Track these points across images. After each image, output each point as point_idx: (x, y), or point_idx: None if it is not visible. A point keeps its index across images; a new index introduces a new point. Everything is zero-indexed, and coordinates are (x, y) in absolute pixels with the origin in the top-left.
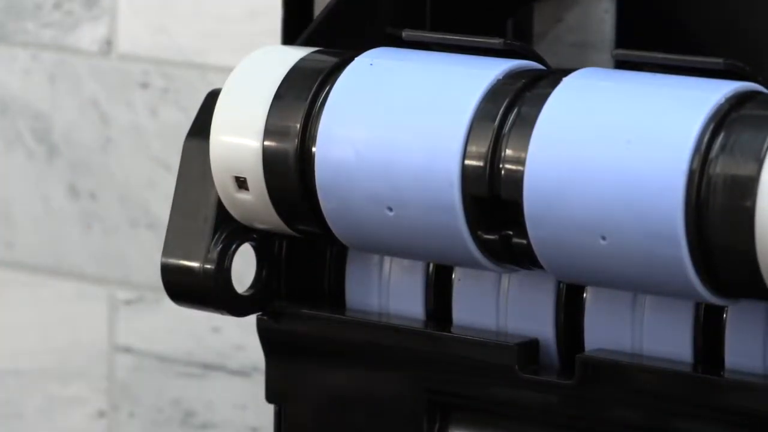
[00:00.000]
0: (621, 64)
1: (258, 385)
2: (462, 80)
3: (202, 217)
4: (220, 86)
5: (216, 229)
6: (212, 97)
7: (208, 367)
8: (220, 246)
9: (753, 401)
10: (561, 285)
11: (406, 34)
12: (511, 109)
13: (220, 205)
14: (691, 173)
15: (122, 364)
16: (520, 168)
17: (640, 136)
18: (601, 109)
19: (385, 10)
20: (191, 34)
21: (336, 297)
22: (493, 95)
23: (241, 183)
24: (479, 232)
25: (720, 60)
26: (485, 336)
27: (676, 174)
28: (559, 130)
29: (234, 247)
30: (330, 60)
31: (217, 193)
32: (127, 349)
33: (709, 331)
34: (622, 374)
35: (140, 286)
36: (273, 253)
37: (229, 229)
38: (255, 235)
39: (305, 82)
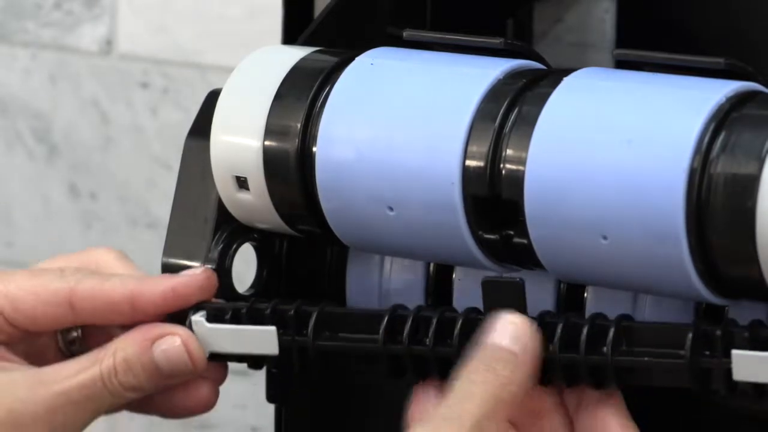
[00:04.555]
0: (621, 64)
1: (258, 385)
2: (463, 80)
3: (203, 217)
4: (220, 86)
5: (216, 228)
6: (213, 96)
7: None
8: (221, 246)
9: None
10: (562, 285)
11: (406, 33)
12: (511, 108)
13: (220, 204)
14: (692, 173)
15: None
16: (520, 168)
17: (640, 135)
18: (602, 108)
19: (385, 9)
20: (191, 34)
21: (336, 297)
22: (493, 95)
23: (242, 183)
24: (480, 232)
25: (721, 60)
26: None
27: (677, 173)
28: (559, 129)
29: (235, 246)
30: (330, 60)
31: (217, 192)
32: None
33: None
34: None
35: None
36: (274, 253)
37: (230, 229)
38: (256, 235)
39: (306, 82)
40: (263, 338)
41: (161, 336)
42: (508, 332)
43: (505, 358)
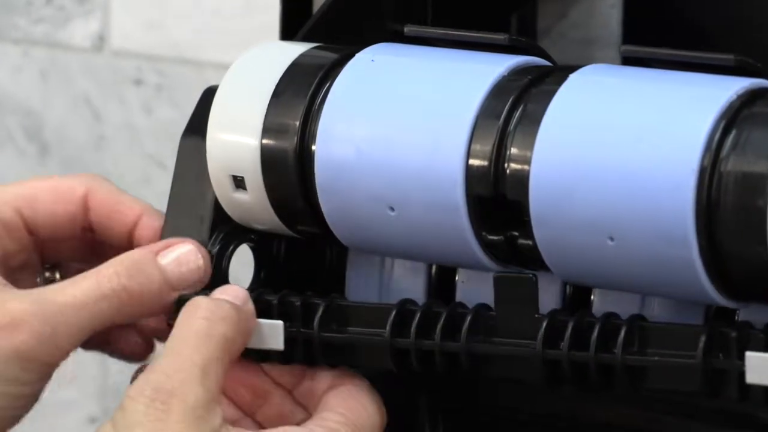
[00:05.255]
0: (628, 61)
1: None
2: (466, 76)
3: (199, 218)
4: (216, 83)
5: (213, 229)
6: (209, 94)
7: None
8: (218, 247)
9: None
10: (568, 287)
11: (408, 29)
12: (516, 106)
13: (217, 204)
14: (701, 172)
15: (115, 368)
16: (525, 167)
17: (648, 133)
18: (609, 106)
19: (386, 5)
20: (186, 30)
21: None
22: (498, 92)
23: (239, 182)
24: (483, 233)
25: (731, 56)
26: None
27: (687, 172)
28: (565, 127)
29: (231, 248)
30: (330, 56)
31: (213, 192)
32: None
33: None
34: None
35: None
36: (271, 255)
37: (227, 230)
38: (253, 236)
39: (305, 79)
40: (269, 332)
41: (167, 246)
42: (226, 291)
43: (224, 305)
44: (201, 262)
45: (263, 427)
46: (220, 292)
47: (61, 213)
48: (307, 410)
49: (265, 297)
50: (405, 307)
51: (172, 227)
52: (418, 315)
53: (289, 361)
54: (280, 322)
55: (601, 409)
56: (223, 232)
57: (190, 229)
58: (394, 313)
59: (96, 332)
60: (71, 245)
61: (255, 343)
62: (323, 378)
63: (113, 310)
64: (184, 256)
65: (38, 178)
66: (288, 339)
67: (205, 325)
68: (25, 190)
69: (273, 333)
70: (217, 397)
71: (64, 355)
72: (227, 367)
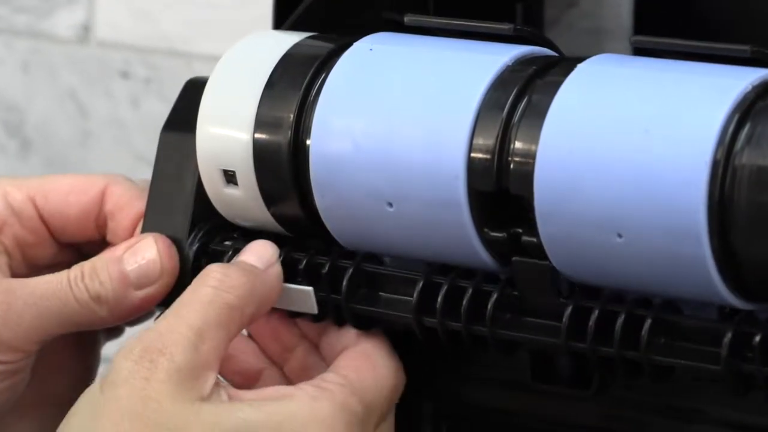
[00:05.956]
0: (639, 52)
1: None
2: (468, 67)
3: (178, 214)
4: (206, 76)
5: (193, 226)
6: (191, 86)
7: None
8: (197, 245)
9: None
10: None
11: (408, 18)
12: (521, 97)
13: (197, 201)
14: (714, 165)
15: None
16: (530, 161)
17: (659, 125)
18: (618, 97)
19: None
20: (176, 20)
21: None
22: (501, 83)
23: (230, 177)
24: (486, 230)
25: (746, 47)
26: None
27: (699, 166)
28: (572, 120)
29: (212, 246)
30: (326, 46)
31: (194, 188)
32: (108, 361)
33: None
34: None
35: None
36: None
37: (208, 227)
38: (235, 234)
39: (299, 70)
40: (300, 297)
41: (132, 245)
42: (252, 250)
43: (234, 274)
44: (156, 255)
45: (289, 379)
46: (245, 252)
47: (74, 204)
48: (328, 365)
49: (292, 256)
50: (431, 279)
51: (151, 224)
52: (443, 290)
53: (321, 320)
54: (311, 288)
55: (600, 414)
56: (203, 229)
57: (168, 226)
58: (420, 286)
59: (70, 331)
60: (88, 243)
61: (288, 305)
62: (346, 334)
63: (80, 308)
64: (142, 252)
65: (61, 174)
66: (318, 302)
67: (210, 292)
68: (42, 180)
69: (305, 298)
70: (212, 363)
71: (30, 341)
72: (233, 336)
